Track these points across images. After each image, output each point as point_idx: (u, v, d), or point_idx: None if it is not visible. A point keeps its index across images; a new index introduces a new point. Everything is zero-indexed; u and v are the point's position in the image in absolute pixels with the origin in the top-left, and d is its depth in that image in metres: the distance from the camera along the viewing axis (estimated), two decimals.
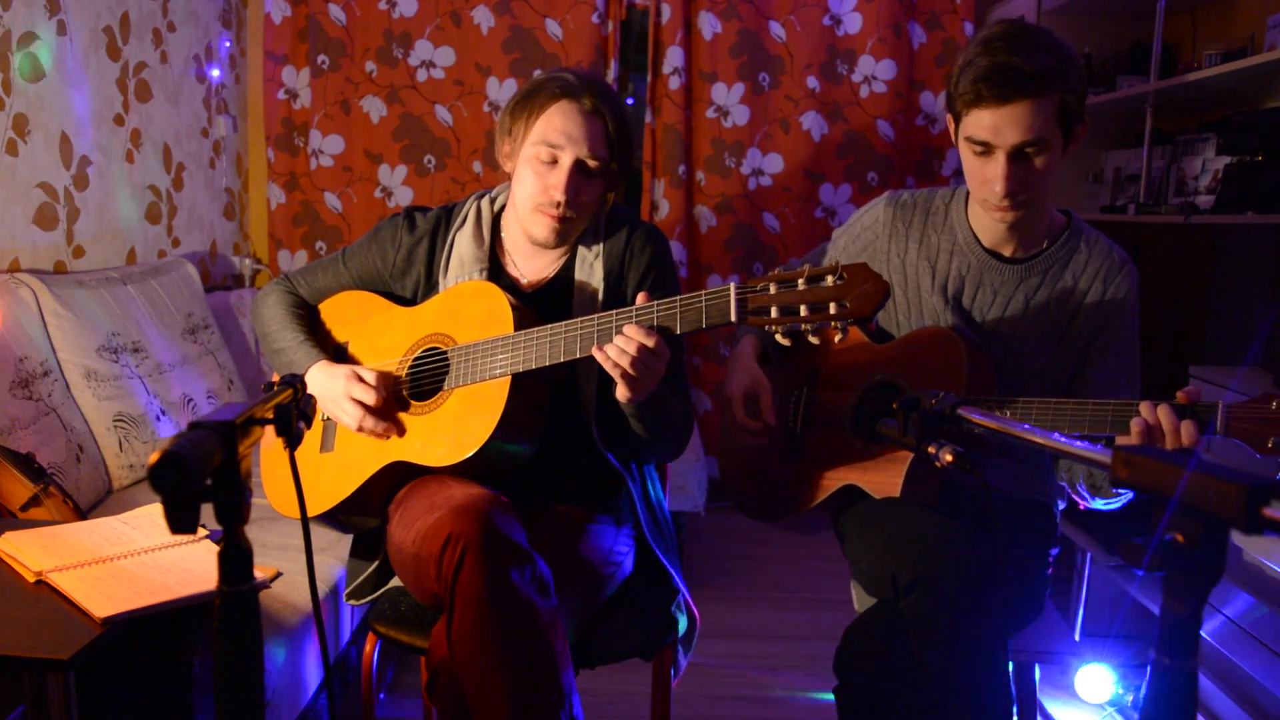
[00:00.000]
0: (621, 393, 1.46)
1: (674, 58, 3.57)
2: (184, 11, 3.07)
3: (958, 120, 1.54)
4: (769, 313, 1.32)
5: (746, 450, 1.85)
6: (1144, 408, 1.38)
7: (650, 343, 1.40)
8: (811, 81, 3.63)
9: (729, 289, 1.35)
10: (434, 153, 3.62)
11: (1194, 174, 2.73)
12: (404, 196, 3.64)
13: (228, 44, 3.41)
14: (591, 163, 1.60)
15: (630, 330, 1.41)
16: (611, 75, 3.59)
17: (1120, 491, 1.53)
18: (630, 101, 3.85)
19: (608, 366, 1.43)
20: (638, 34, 3.77)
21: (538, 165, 1.60)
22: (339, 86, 3.57)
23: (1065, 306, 1.64)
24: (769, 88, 3.65)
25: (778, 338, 1.33)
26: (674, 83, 3.58)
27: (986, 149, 1.51)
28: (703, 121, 3.66)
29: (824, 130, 3.66)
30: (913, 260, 1.72)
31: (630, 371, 1.41)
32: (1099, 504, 1.60)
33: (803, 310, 1.30)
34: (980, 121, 1.49)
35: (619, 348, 1.41)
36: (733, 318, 1.35)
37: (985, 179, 1.53)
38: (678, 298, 1.40)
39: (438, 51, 3.57)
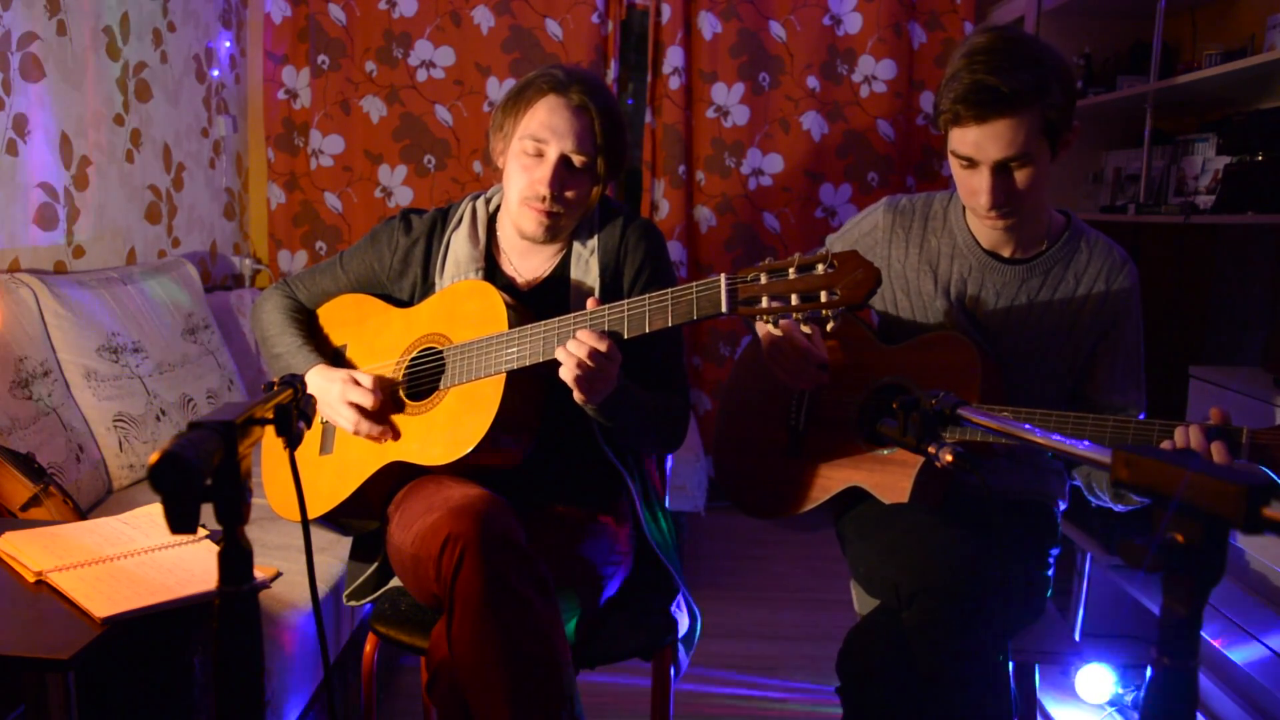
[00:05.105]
0: (576, 396, 1.46)
1: (674, 58, 3.57)
2: (184, 11, 3.07)
3: (945, 133, 1.55)
4: (760, 302, 1.31)
5: (754, 440, 1.85)
6: (1177, 433, 1.37)
7: (602, 347, 1.40)
8: (811, 81, 3.63)
9: (719, 279, 1.34)
10: (434, 153, 3.62)
11: (1194, 174, 2.72)
12: (404, 196, 3.64)
13: (228, 44, 3.41)
14: (577, 158, 1.59)
15: (582, 334, 1.41)
16: (611, 75, 3.59)
17: (1142, 500, 1.52)
18: (630, 102, 3.85)
19: (562, 374, 1.43)
20: (638, 34, 3.76)
21: (525, 160, 1.60)
22: (339, 86, 3.57)
23: (1068, 306, 1.64)
24: (769, 88, 3.65)
25: (770, 328, 1.33)
26: (674, 83, 3.58)
27: (971, 163, 1.51)
28: (703, 121, 3.66)
29: (824, 130, 3.66)
30: (914, 264, 1.72)
31: (577, 372, 1.41)
32: (1119, 508, 1.59)
33: (794, 299, 1.29)
34: (963, 138, 1.49)
35: (567, 352, 1.41)
36: (723, 308, 1.34)
37: (972, 190, 1.54)
38: (669, 290, 1.40)
39: (438, 51, 3.57)
